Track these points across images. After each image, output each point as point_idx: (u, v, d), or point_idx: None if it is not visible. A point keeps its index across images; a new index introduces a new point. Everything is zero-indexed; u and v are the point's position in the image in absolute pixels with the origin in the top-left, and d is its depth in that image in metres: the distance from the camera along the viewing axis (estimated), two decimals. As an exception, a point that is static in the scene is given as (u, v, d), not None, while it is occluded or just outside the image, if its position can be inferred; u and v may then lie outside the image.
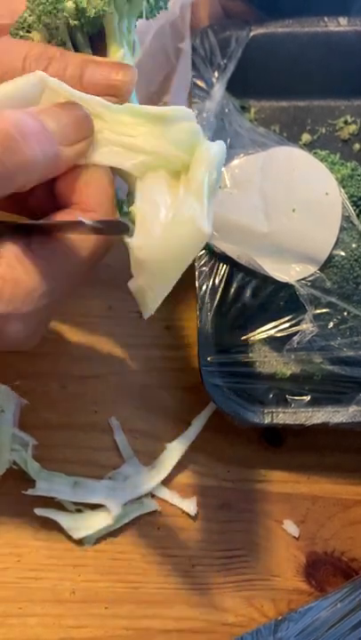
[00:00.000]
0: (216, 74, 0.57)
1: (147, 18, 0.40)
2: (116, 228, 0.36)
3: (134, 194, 0.37)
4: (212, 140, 0.37)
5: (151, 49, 0.55)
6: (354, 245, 0.52)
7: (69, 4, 0.37)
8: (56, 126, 0.35)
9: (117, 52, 0.39)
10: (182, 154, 0.36)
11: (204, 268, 0.52)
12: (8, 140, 0.33)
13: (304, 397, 0.51)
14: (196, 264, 0.52)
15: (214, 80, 0.57)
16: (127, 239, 0.36)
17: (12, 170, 0.33)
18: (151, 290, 0.36)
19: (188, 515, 0.51)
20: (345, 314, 0.52)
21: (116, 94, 0.37)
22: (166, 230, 0.34)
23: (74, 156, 0.36)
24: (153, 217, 0.35)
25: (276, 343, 0.53)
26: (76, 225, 0.35)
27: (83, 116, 0.36)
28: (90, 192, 0.37)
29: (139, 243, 0.35)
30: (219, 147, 0.36)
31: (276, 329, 0.53)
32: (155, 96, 0.56)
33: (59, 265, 0.36)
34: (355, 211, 0.53)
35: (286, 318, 0.53)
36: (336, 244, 0.52)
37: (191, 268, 0.52)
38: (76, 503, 0.50)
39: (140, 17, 0.40)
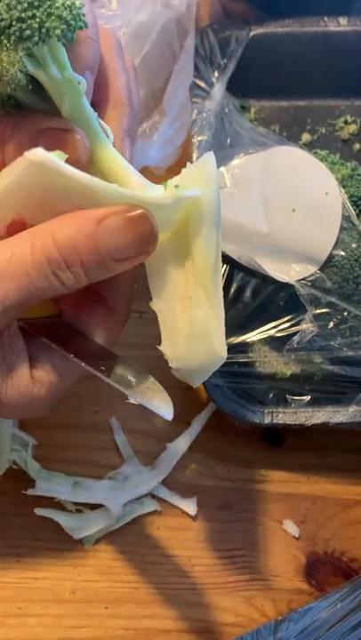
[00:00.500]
0: (216, 74, 0.57)
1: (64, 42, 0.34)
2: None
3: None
4: (212, 138, 0.37)
5: (157, 44, 0.54)
6: (354, 245, 0.52)
7: None
8: (115, 246, 0.33)
9: (61, 104, 0.35)
10: (178, 224, 0.36)
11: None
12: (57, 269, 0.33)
13: (304, 397, 0.51)
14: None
15: (214, 80, 0.57)
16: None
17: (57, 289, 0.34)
18: (190, 380, 0.39)
19: (188, 515, 0.51)
20: (345, 314, 0.52)
21: (75, 163, 0.33)
22: (187, 346, 0.37)
23: (126, 268, 0.34)
24: (172, 322, 0.38)
25: (276, 343, 0.53)
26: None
27: (148, 232, 0.33)
28: (117, 297, 0.38)
29: (168, 353, 0.38)
30: (212, 208, 0.35)
31: (276, 329, 0.53)
32: (159, 92, 0.56)
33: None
34: (355, 211, 0.53)
35: (286, 318, 0.53)
36: (336, 243, 0.52)
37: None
38: (76, 503, 0.50)
39: (65, 45, 0.34)
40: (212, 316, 0.36)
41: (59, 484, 0.51)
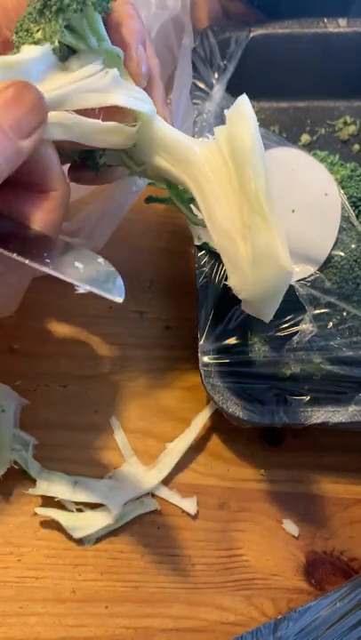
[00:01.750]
0: (216, 75, 0.57)
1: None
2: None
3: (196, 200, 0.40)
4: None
5: (156, 47, 0.55)
6: (353, 246, 0.52)
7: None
8: (12, 121, 0.33)
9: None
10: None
11: (204, 268, 0.52)
12: None
13: (304, 397, 0.51)
14: (196, 264, 0.52)
15: (214, 81, 0.57)
16: (226, 283, 0.40)
17: None
18: (262, 312, 0.40)
19: (188, 514, 0.51)
20: (344, 314, 0.52)
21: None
22: (254, 271, 0.38)
23: (32, 147, 0.35)
24: (235, 253, 0.39)
25: (276, 343, 0.53)
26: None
27: (37, 99, 0.34)
28: (48, 176, 0.37)
29: (236, 286, 0.40)
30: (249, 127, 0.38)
31: (276, 329, 0.53)
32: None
33: None
34: (354, 211, 0.54)
35: (286, 318, 0.53)
36: (335, 244, 0.53)
37: (191, 268, 0.53)
38: (76, 503, 0.50)
39: (102, 14, 0.37)
40: (275, 237, 0.38)
41: (59, 483, 0.51)
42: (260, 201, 0.38)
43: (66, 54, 0.37)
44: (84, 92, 0.36)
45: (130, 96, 0.38)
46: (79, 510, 0.50)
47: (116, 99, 0.37)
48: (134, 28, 0.40)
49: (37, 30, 0.36)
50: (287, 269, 0.38)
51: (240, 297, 0.40)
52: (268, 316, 0.41)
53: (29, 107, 0.34)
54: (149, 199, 0.50)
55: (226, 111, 0.39)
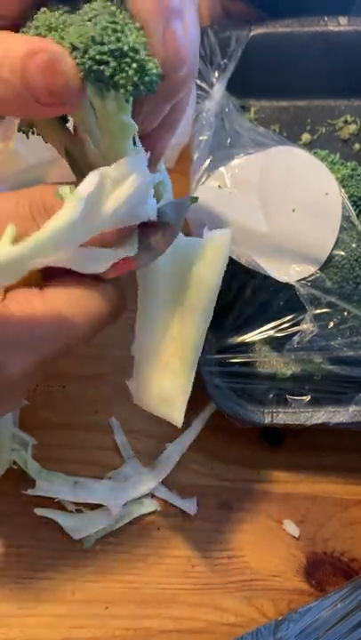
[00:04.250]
0: (216, 74, 0.57)
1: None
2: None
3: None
4: (212, 138, 0.37)
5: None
6: (354, 245, 0.52)
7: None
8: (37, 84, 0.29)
9: (100, 139, 0.32)
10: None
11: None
12: None
13: (304, 397, 0.51)
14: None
15: (214, 80, 0.57)
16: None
17: None
18: (147, 409, 0.41)
19: (187, 515, 0.51)
20: (345, 314, 0.52)
21: None
22: (152, 400, 0.40)
23: (47, 110, 0.30)
24: (144, 374, 0.39)
25: (276, 343, 0.53)
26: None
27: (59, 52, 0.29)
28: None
29: (133, 392, 0.41)
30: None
31: (276, 329, 0.53)
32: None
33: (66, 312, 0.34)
34: (355, 211, 0.53)
35: (286, 318, 0.52)
36: (336, 243, 0.52)
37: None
38: (76, 503, 0.50)
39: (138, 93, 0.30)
40: (180, 390, 0.39)
41: (59, 484, 0.51)
42: (186, 354, 0.38)
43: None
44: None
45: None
46: (79, 511, 0.50)
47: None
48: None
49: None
50: (177, 422, 0.39)
51: (132, 399, 0.41)
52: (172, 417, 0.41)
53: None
54: None
55: (206, 232, 0.38)
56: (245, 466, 0.53)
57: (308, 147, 0.60)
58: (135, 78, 0.30)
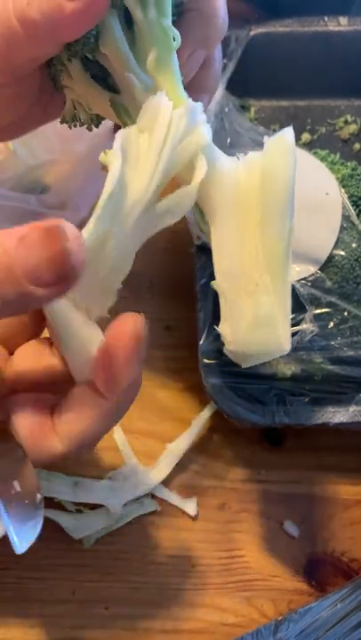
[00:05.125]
0: (216, 73, 0.57)
1: None
2: None
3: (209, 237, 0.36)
4: (212, 138, 0.37)
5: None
6: (354, 245, 0.52)
7: None
8: (31, 262, 0.27)
9: (146, 54, 0.33)
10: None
11: (204, 269, 0.52)
12: None
13: (304, 397, 0.51)
14: (196, 264, 0.52)
15: (214, 80, 0.57)
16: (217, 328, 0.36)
17: None
18: (241, 362, 0.37)
19: (188, 515, 0.51)
20: (345, 314, 0.52)
21: None
22: (249, 332, 0.35)
23: (46, 298, 0.28)
24: (234, 304, 0.35)
25: (277, 343, 0.53)
26: None
27: (65, 251, 0.27)
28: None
29: (226, 336, 0.36)
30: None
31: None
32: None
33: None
34: (355, 210, 0.53)
35: (287, 318, 0.52)
36: (336, 243, 0.52)
37: (191, 268, 0.52)
38: (75, 503, 0.50)
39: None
40: (279, 307, 0.34)
41: (59, 484, 0.50)
42: (275, 264, 0.34)
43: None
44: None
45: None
46: (79, 511, 0.50)
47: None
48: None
49: None
50: (283, 346, 0.34)
51: (227, 346, 0.36)
52: (245, 366, 0.38)
53: (55, 254, 0.27)
54: None
55: (266, 138, 0.34)
56: (245, 466, 0.53)
57: (308, 147, 0.60)
58: None
